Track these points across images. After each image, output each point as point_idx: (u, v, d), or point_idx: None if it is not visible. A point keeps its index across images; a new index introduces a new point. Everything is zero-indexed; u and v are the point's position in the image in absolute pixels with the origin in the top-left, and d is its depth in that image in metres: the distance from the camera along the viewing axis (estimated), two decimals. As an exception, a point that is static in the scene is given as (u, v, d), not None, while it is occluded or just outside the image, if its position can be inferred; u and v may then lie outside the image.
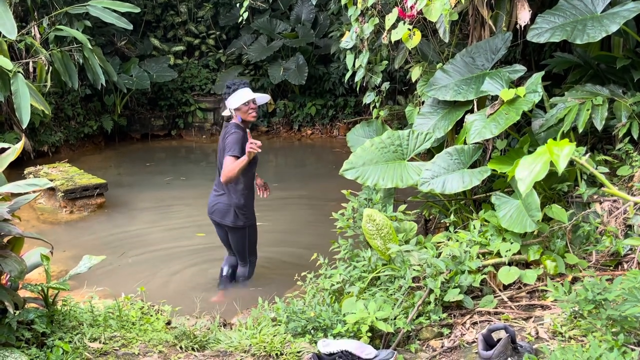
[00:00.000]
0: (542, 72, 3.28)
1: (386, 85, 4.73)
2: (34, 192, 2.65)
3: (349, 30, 4.57)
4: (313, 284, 3.32)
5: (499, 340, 2.18)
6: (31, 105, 6.37)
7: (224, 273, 4.46)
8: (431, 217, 4.59)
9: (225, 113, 4.19)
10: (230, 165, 3.82)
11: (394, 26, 3.77)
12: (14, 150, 2.55)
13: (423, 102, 4.71)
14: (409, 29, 3.62)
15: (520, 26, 3.41)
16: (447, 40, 3.61)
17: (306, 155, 9.73)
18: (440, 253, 3.05)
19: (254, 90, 4.21)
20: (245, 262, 4.39)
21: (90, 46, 7.62)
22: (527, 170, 1.84)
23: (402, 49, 4.58)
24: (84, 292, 3.80)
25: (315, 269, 3.43)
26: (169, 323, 3.20)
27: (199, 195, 5.86)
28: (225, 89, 4.08)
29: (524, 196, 2.19)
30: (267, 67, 10.06)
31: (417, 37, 3.59)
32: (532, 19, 3.42)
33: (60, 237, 5.61)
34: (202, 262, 4.95)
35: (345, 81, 4.76)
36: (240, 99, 3.99)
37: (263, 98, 4.16)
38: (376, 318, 2.51)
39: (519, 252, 2.98)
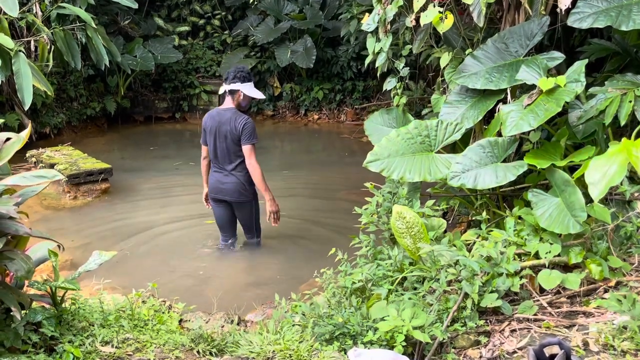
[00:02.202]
0: (586, 60, 3.06)
1: (406, 70, 4.51)
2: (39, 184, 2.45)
3: (369, 13, 4.32)
4: (332, 280, 3.13)
5: (551, 356, 1.99)
6: (33, 85, 6.13)
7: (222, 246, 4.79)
8: (448, 210, 4.37)
9: (222, 91, 4.43)
10: (261, 176, 4.32)
11: (422, 8, 3.53)
12: (20, 140, 2.34)
13: (443, 90, 4.48)
14: (440, 12, 3.39)
15: (561, 10, 3.18)
16: (481, 24, 3.38)
17: (313, 141, 9.48)
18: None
19: (260, 72, 4.55)
20: (253, 233, 4.71)
21: (93, 25, 7.33)
22: (600, 173, 1.64)
23: (421, 33, 4.34)
24: (91, 286, 3.62)
25: (330, 264, 3.22)
26: (180, 321, 3.03)
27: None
28: (244, 72, 4.34)
29: (596, 201, 1.98)
30: (274, 49, 9.77)
31: (449, 20, 3.36)
32: (573, 3, 3.18)
33: (65, 224, 5.43)
34: (211, 250, 4.77)
35: (365, 65, 4.57)
36: (258, 94, 4.41)
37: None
38: (412, 327, 2.33)
39: (557, 254, 2.79)
